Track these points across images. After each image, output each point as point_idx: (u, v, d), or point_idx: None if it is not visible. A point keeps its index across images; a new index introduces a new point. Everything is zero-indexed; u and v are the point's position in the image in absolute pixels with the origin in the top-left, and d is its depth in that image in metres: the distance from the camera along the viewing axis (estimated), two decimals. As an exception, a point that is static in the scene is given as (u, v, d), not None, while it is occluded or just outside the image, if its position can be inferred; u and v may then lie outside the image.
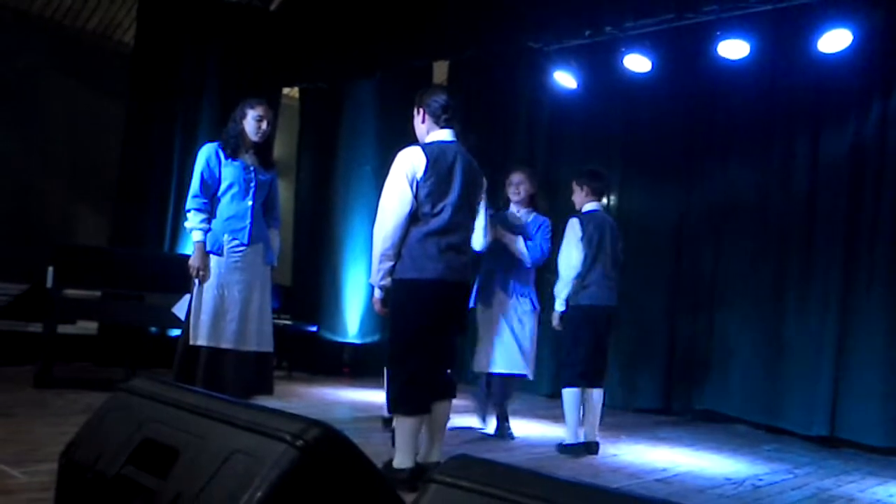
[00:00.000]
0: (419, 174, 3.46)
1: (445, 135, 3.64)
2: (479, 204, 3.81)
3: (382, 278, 3.53)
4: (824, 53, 5.83)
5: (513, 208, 5.34)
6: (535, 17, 6.60)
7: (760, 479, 4.42)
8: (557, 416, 6.29)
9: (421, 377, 3.49)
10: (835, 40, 5.71)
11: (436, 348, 3.56)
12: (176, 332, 6.77)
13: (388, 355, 3.63)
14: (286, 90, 9.07)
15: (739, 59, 6.21)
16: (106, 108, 8.29)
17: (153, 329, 7.29)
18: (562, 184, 7.83)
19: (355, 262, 8.45)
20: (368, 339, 8.44)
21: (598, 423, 4.90)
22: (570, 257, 4.83)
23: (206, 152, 4.33)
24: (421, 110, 3.72)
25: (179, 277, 6.13)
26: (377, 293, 3.62)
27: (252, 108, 4.37)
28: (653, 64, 6.65)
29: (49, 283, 5.72)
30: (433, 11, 7.21)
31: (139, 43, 7.86)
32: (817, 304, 6.17)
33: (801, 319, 6.29)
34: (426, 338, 3.51)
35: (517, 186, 5.29)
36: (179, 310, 5.67)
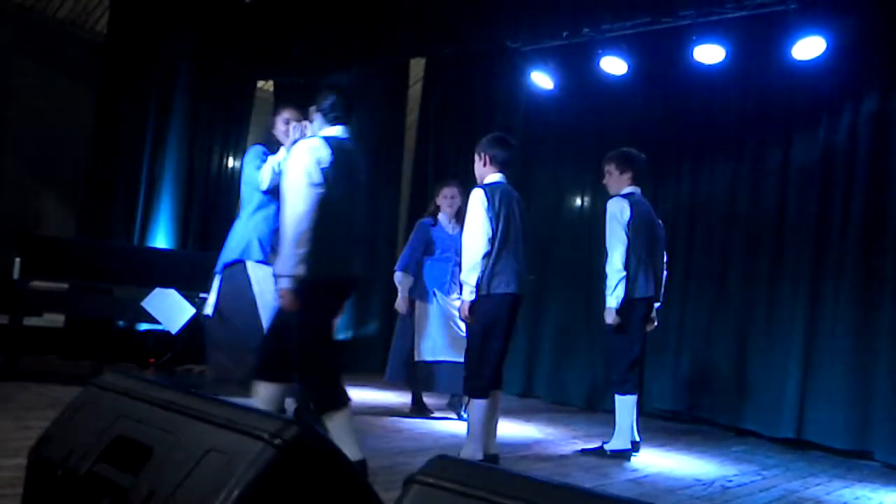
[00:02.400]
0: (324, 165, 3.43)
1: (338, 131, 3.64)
2: None
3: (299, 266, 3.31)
4: (798, 60, 5.89)
5: (443, 219, 5.83)
6: (513, 17, 6.61)
7: (730, 481, 4.46)
8: (529, 415, 6.32)
9: (338, 370, 3.58)
10: (808, 47, 5.77)
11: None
12: (146, 325, 6.71)
13: (306, 357, 3.44)
14: (261, 83, 9.00)
15: (714, 64, 6.26)
16: (76, 97, 8.16)
17: (121, 322, 7.19)
18: (535, 184, 7.90)
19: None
20: (341, 337, 8.39)
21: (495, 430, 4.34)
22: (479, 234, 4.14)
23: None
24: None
25: (148, 270, 6.10)
26: (287, 283, 3.29)
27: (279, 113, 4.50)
28: (629, 67, 6.68)
29: (15, 275, 5.62)
30: (411, 8, 7.19)
31: (112, 31, 7.73)
32: (785, 307, 6.25)
33: (769, 322, 6.36)
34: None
35: (452, 199, 5.79)
36: (149, 304, 5.62)
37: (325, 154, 3.41)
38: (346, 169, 3.49)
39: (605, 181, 5.17)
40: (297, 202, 3.32)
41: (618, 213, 4.88)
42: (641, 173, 5.17)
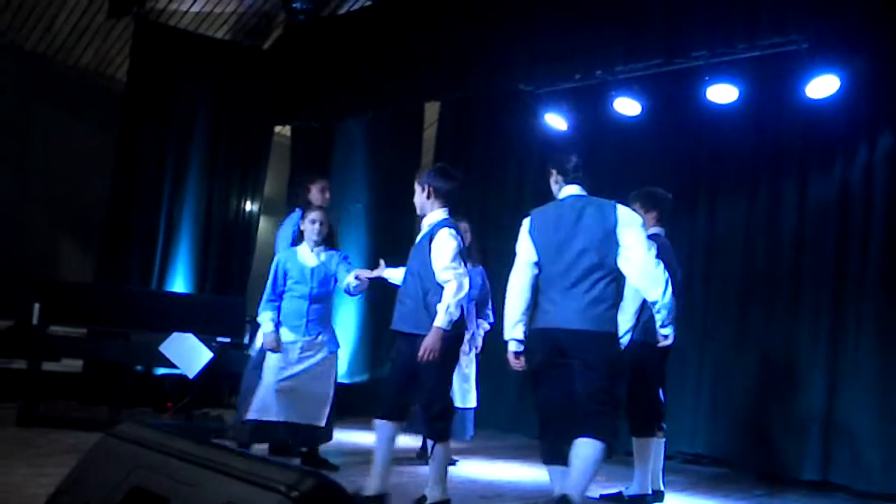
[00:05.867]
0: None
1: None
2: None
3: None
4: (812, 99, 5.89)
5: None
6: (526, 60, 6.66)
7: (753, 526, 4.37)
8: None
9: None
10: (822, 86, 5.76)
11: None
12: (163, 370, 6.72)
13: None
14: (278, 128, 9.10)
15: (728, 104, 6.27)
16: (96, 144, 8.27)
17: (139, 367, 7.20)
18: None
19: (343, 300, 8.40)
20: (357, 379, 8.36)
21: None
22: None
23: None
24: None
25: (166, 315, 6.12)
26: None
27: None
28: (642, 107, 6.70)
29: (35, 320, 5.66)
30: (425, 52, 7.27)
31: (132, 79, 7.87)
32: (807, 347, 6.17)
33: (790, 362, 6.28)
34: None
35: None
36: (167, 348, 5.63)
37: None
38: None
39: None
40: None
41: None
42: (666, 213, 5.05)
